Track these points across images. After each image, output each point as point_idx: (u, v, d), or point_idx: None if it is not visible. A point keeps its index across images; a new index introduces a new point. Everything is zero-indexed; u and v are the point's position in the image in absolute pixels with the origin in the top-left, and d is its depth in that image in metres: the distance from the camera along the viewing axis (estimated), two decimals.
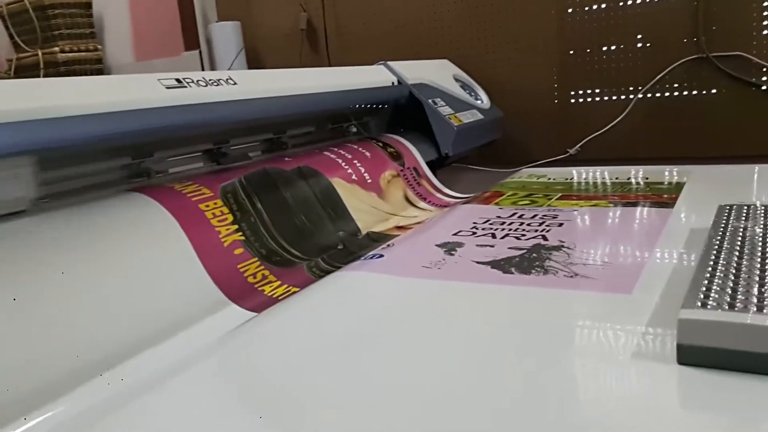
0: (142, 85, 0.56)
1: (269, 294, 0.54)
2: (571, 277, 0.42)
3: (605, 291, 0.39)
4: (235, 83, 0.67)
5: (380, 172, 0.84)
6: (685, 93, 1.12)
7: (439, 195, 0.89)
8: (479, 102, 1.17)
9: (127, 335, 0.44)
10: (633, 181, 0.72)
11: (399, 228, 0.75)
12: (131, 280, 0.47)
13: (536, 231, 0.54)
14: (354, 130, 1.00)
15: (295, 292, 0.55)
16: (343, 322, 0.39)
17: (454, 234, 0.55)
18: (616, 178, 0.75)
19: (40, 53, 1.78)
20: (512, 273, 0.44)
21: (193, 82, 0.62)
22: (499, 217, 0.60)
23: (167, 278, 0.49)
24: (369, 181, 0.80)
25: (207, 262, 0.52)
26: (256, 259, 0.57)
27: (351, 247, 0.67)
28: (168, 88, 0.59)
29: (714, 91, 1.09)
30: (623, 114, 1.16)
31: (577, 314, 0.36)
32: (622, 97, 1.17)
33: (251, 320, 0.43)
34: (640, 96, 1.15)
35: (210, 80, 0.64)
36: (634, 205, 0.61)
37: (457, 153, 1.04)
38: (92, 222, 0.49)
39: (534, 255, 0.47)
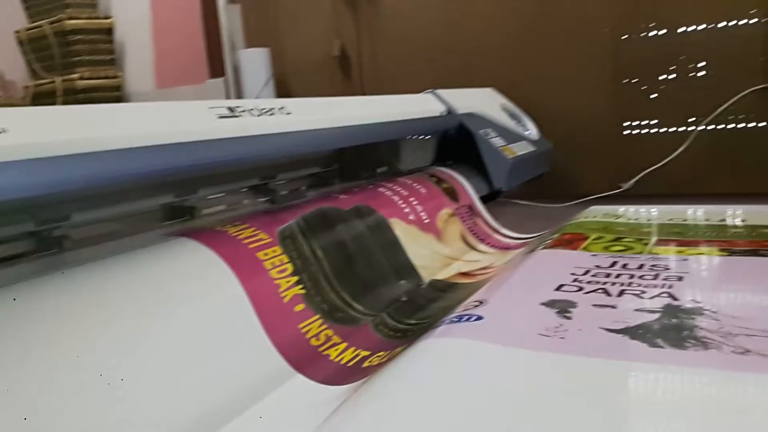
0: (194, 115, 0.49)
1: (335, 359, 0.46)
2: (742, 353, 0.33)
3: None
4: (289, 113, 0.59)
5: (437, 211, 0.76)
6: (752, 125, 1.04)
7: (497, 236, 0.81)
8: (528, 133, 1.09)
9: (180, 414, 0.35)
10: (729, 222, 0.64)
11: (463, 275, 0.67)
12: (180, 346, 0.39)
13: (656, 287, 0.46)
14: (400, 162, 0.93)
15: (364, 357, 0.47)
16: (457, 412, 0.31)
17: (557, 289, 0.47)
18: (707, 220, 0.67)
19: (58, 80, 1.73)
20: (661, 347, 0.35)
21: (246, 111, 0.55)
22: (599, 266, 0.52)
23: (223, 344, 0.41)
24: (426, 221, 0.72)
25: (267, 323, 0.44)
26: (318, 316, 0.49)
27: (417, 299, 0.59)
28: (220, 117, 0.51)
29: None
30: (682, 147, 1.08)
31: None
32: (681, 128, 1.09)
33: (342, 411, 0.35)
34: (701, 128, 1.07)
35: (263, 109, 0.57)
36: (755, 254, 0.52)
37: (510, 187, 0.96)
38: (135, 273, 0.41)
39: (674, 321, 0.39)
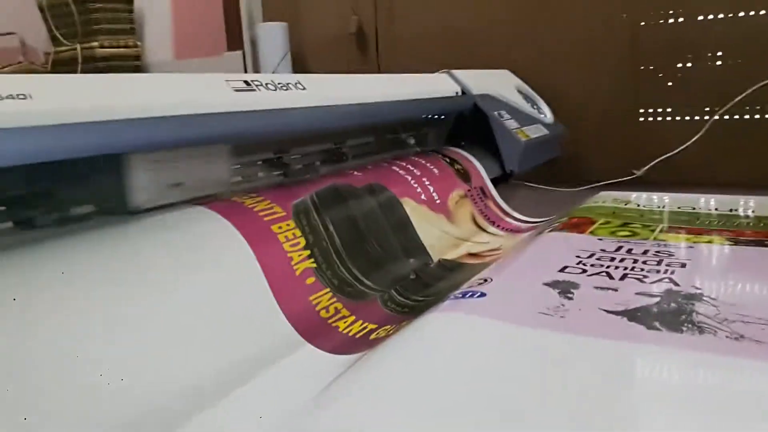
0: (210, 87, 0.50)
1: (344, 331, 0.48)
2: (736, 339, 0.34)
3: None
4: (304, 88, 0.60)
5: (449, 192, 0.77)
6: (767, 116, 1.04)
7: (508, 219, 0.82)
8: (543, 116, 1.09)
9: (191, 379, 0.37)
10: (741, 213, 0.65)
11: (471, 255, 0.68)
12: (194, 313, 0.40)
13: (658, 272, 0.47)
14: (413, 141, 0.94)
15: (372, 330, 0.49)
16: (455, 385, 0.32)
17: (561, 270, 0.48)
18: (716, 209, 0.68)
19: (78, 47, 1.74)
20: (659, 329, 0.36)
21: (261, 85, 0.56)
22: (603, 250, 0.53)
23: (236, 312, 0.42)
24: (438, 201, 0.73)
25: (278, 294, 0.46)
26: (328, 290, 0.51)
27: (424, 277, 0.60)
28: (236, 90, 0.52)
29: None
30: (697, 136, 1.08)
31: (766, 394, 0.29)
32: (696, 117, 1.09)
33: (343, 377, 0.36)
34: (716, 117, 1.06)
35: (279, 84, 0.58)
36: (760, 244, 0.53)
37: (522, 170, 0.97)
38: (151, 239, 0.43)
39: (673, 305, 0.40)
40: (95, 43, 1.74)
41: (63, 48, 1.81)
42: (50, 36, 1.85)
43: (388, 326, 0.48)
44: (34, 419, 0.30)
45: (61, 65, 1.81)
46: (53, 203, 0.43)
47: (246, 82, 0.55)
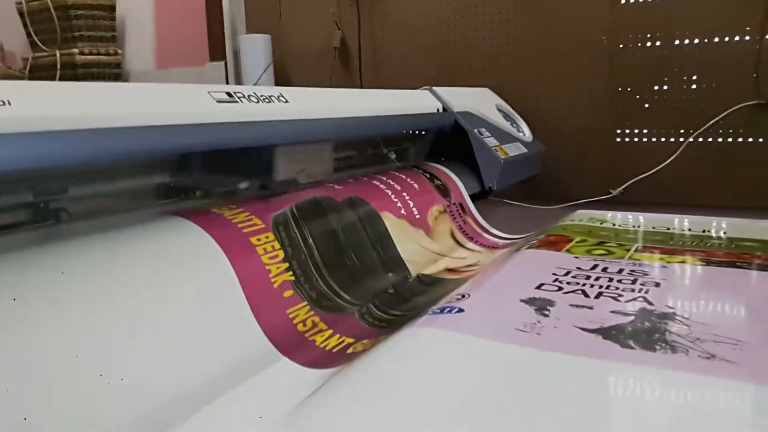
0: (193, 97, 0.50)
1: (321, 345, 0.48)
2: (708, 358, 0.35)
3: (760, 381, 0.32)
4: (286, 101, 0.60)
5: (428, 208, 0.77)
6: (740, 140, 1.06)
7: (486, 235, 0.83)
8: (522, 134, 1.11)
9: (167, 391, 0.37)
10: (714, 234, 0.66)
11: (450, 270, 0.69)
12: (171, 325, 0.40)
13: (633, 291, 0.47)
14: (393, 156, 0.94)
15: (349, 344, 0.48)
16: (431, 399, 0.32)
17: (537, 287, 0.48)
18: (690, 230, 0.69)
19: (58, 53, 1.73)
20: (632, 348, 0.37)
21: (244, 97, 0.56)
22: (579, 269, 0.54)
23: (212, 325, 0.42)
24: (417, 216, 0.73)
25: (255, 307, 0.46)
26: (305, 303, 0.50)
27: (403, 291, 0.60)
28: (219, 102, 0.52)
29: None
30: (672, 157, 1.10)
31: (734, 413, 0.30)
32: (672, 139, 1.11)
33: (320, 392, 0.36)
34: (691, 140, 1.09)
35: (262, 96, 0.58)
36: (732, 265, 0.54)
37: (501, 187, 0.97)
38: (128, 250, 0.42)
39: (647, 324, 0.40)
40: (75, 50, 1.72)
41: (42, 53, 1.79)
42: (29, 41, 1.83)
43: (366, 340, 0.48)
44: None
45: (40, 70, 1.79)
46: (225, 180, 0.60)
47: (229, 93, 0.55)
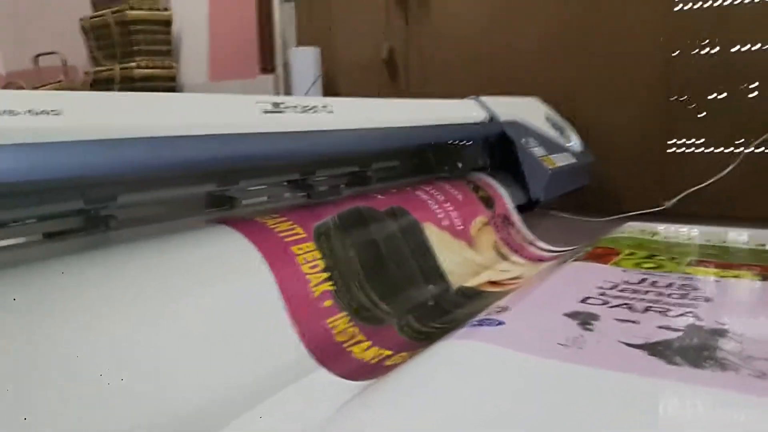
0: (240, 108, 0.51)
1: (358, 356, 0.47)
2: (759, 377, 0.33)
3: None
4: (331, 111, 0.61)
5: (471, 219, 0.76)
6: None
7: (531, 247, 0.81)
8: (571, 144, 1.09)
9: (204, 398, 0.37)
10: None
11: (492, 283, 0.68)
12: (210, 331, 0.41)
13: (682, 306, 0.46)
14: (438, 166, 0.94)
15: (387, 356, 0.48)
16: (466, 413, 0.32)
17: (582, 301, 0.47)
18: (746, 244, 0.66)
19: (117, 68, 1.79)
20: (679, 365, 0.35)
21: (289, 107, 0.56)
22: (627, 282, 0.52)
23: (251, 333, 0.43)
24: (460, 228, 0.73)
25: (295, 315, 0.46)
26: (345, 313, 0.51)
27: (443, 304, 0.60)
28: (265, 112, 0.53)
29: None
30: (729, 168, 1.06)
31: None
32: (728, 149, 1.07)
33: (355, 401, 0.36)
34: (749, 150, 1.04)
35: (306, 107, 0.58)
36: None
37: (548, 198, 0.96)
38: (171, 257, 0.43)
39: (696, 341, 0.39)
40: (133, 64, 1.79)
41: (102, 68, 1.87)
42: (91, 56, 1.91)
43: (404, 353, 0.48)
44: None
45: (100, 84, 1.86)
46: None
47: (275, 104, 0.56)
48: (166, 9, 1.86)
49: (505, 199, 0.87)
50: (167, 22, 1.86)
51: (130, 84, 1.79)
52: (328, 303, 0.50)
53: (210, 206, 0.57)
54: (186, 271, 0.42)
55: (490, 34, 1.28)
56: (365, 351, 0.48)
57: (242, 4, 1.68)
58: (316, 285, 0.49)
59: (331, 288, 0.51)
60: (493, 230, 0.79)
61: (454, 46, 1.33)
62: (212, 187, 0.56)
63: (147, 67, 1.79)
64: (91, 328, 0.35)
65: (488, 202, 0.83)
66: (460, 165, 0.97)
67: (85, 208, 0.44)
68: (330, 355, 0.46)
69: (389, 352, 0.48)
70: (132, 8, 1.76)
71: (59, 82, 1.90)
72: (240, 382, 0.39)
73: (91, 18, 1.87)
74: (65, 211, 0.43)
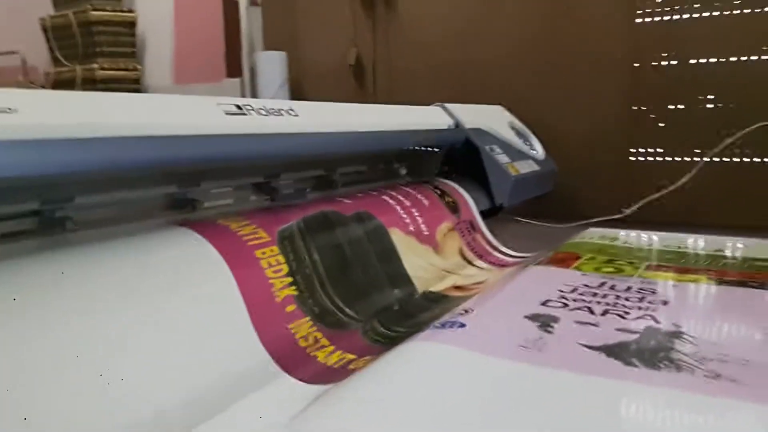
0: (201, 109, 0.50)
1: (322, 361, 0.47)
2: (714, 378, 0.34)
3: (765, 402, 0.31)
4: (296, 115, 0.61)
5: (437, 224, 0.77)
6: (757, 160, 1.04)
7: (495, 253, 0.82)
8: (534, 152, 1.10)
9: (163, 404, 0.36)
10: (728, 254, 0.65)
11: (457, 288, 0.68)
12: (169, 336, 0.40)
13: (640, 309, 0.47)
14: (404, 172, 0.94)
15: (350, 360, 0.48)
16: (426, 414, 0.32)
17: (542, 304, 0.48)
18: (703, 249, 0.68)
19: (79, 69, 1.76)
20: (636, 366, 0.36)
21: (253, 110, 0.56)
22: (587, 286, 0.53)
23: (211, 337, 0.42)
24: (426, 233, 0.73)
25: (257, 320, 0.45)
26: (308, 318, 0.50)
27: (408, 308, 0.60)
28: (227, 114, 0.53)
29: None
30: (687, 176, 1.09)
31: None
32: (687, 158, 1.10)
33: (316, 404, 0.36)
34: (707, 159, 1.07)
35: (271, 109, 0.58)
36: (743, 285, 0.53)
37: (511, 204, 0.97)
38: (130, 259, 0.43)
39: (652, 342, 0.40)
40: (95, 65, 1.75)
41: (63, 69, 1.83)
42: (51, 56, 1.87)
43: (368, 357, 0.47)
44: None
45: (61, 85, 1.82)
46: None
47: (237, 106, 0.55)
48: (130, 10, 1.84)
49: (471, 205, 0.87)
50: (131, 24, 1.83)
51: (92, 86, 1.76)
52: (290, 308, 0.49)
53: (171, 208, 0.56)
54: (145, 275, 0.42)
55: (456, 43, 1.29)
56: (329, 356, 0.48)
57: (208, 7, 1.67)
58: (279, 289, 0.49)
59: (294, 292, 0.50)
60: (458, 236, 0.79)
61: (420, 53, 1.34)
62: (174, 188, 0.55)
63: (110, 69, 1.76)
64: (41, 336, 0.34)
65: (454, 207, 0.83)
66: (425, 171, 0.97)
67: (41, 209, 0.43)
68: (293, 359, 0.45)
69: (353, 356, 0.48)
70: (95, 9, 1.73)
71: (18, 82, 1.85)
72: (200, 389, 0.39)
73: (52, 17, 1.83)
74: (19, 212, 0.42)
